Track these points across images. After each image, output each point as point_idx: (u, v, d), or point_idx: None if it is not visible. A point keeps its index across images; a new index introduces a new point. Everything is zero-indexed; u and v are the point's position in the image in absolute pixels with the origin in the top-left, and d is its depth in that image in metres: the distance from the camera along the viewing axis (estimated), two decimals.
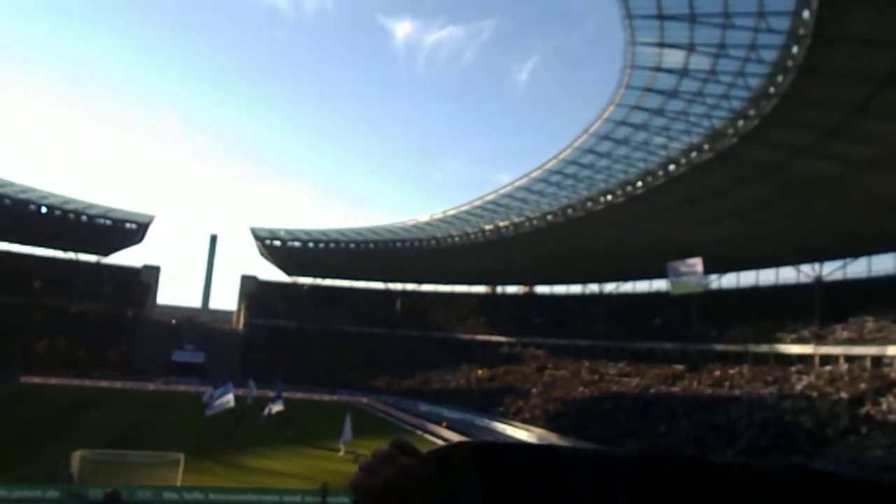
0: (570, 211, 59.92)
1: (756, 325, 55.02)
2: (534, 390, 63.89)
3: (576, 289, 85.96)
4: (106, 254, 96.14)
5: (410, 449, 0.78)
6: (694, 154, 44.10)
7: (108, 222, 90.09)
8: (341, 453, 39.68)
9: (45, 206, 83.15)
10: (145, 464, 30.59)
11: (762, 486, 0.67)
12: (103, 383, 69.77)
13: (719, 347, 57.22)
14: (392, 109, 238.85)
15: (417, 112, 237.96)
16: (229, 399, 46.95)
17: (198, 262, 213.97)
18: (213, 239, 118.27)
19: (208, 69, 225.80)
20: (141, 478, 29.58)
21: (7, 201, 79.07)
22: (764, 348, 53.59)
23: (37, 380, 66.67)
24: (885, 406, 38.75)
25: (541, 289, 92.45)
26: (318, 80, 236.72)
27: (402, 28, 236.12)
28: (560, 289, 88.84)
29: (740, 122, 39.10)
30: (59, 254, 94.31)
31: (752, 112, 37.59)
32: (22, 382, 64.64)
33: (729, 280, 65.73)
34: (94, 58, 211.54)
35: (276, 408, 46.84)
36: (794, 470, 0.67)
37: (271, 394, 50.91)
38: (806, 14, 28.66)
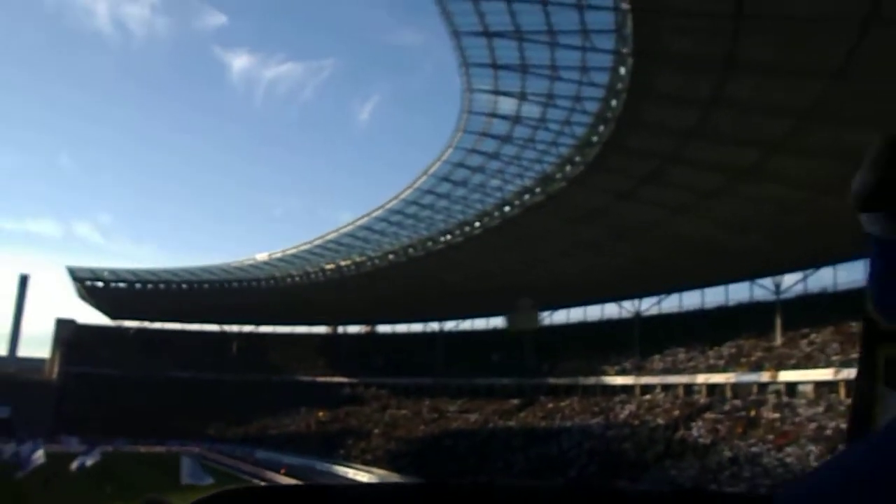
0: (411, 250, 60.83)
1: (584, 359, 58.42)
2: (375, 431, 63.51)
3: (417, 327, 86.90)
4: None
5: None
6: (527, 196, 46.52)
7: None
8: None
9: None
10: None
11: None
12: None
13: (552, 381, 60.05)
14: (229, 144, 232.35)
15: (256, 147, 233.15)
16: (41, 455, 42.87)
17: (3, 307, 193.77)
18: (23, 279, 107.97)
19: (20, 86, 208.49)
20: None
21: None
22: (591, 380, 56.92)
23: None
24: (694, 430, 42.32)
25: (382, 328, 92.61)
26: (147, 111, 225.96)
27: (240, 61, 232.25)
28: (401, 328, 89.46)
29: (568, 168, 41.87)
30: None
31: (578, 158, 40.40)
32: None
33: (560, 316, 69.56)
34: None
35: (91, 460, 43.02)
36: (557, 487, 0.64)
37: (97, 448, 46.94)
38: (622, 70, 31.49)
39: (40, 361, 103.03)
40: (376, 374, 78.97)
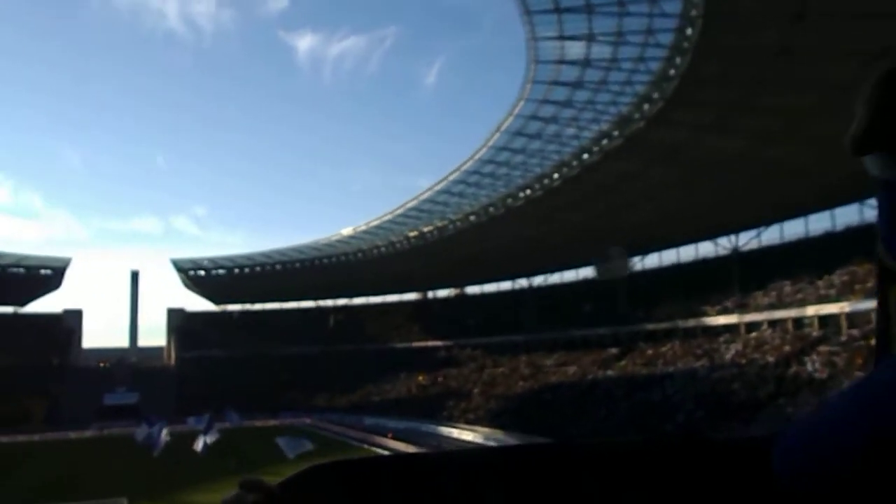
0: (491, 209, 60.39)
1: (681, 301, 56.68)
2: (475, 390, 64.11)
3: (506, 285, 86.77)
4: (22, 304, 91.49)
5: (256, 485, 0.78)
6: (605, 141, 45.07)
7: (22, 270, 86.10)
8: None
9: None
10: None
11: (621, 462, 0.65)
12: (33, 437, 65.59)
13: (649, 327, 58.67)
14: (303, 125, 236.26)
15: (328, 125, 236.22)
16: (166, 434, 45.78)
17: (121, 300, 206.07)
18: (135, 275, 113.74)
19: (109, 101, 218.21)
20: None
21: None
22: (691, 323, 55.23)
23: None
24: (808, 366, 40.44)
25: (471, 289, 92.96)
26: (224, 104, 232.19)
27: (304, 42, 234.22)
28: (490, 287, 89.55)
29: (645, 106, 40.20)
30: None
31: (655, 95, 38.69)
32: None
33: (651, 260, 67.72)
34: None
35: (211, 439, 45.20)
36: (652, 441, 0.66)
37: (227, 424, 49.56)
38: None
39: (159, 349, 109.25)
40: (470, 335, 79.44)
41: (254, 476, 0.67)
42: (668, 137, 40.97)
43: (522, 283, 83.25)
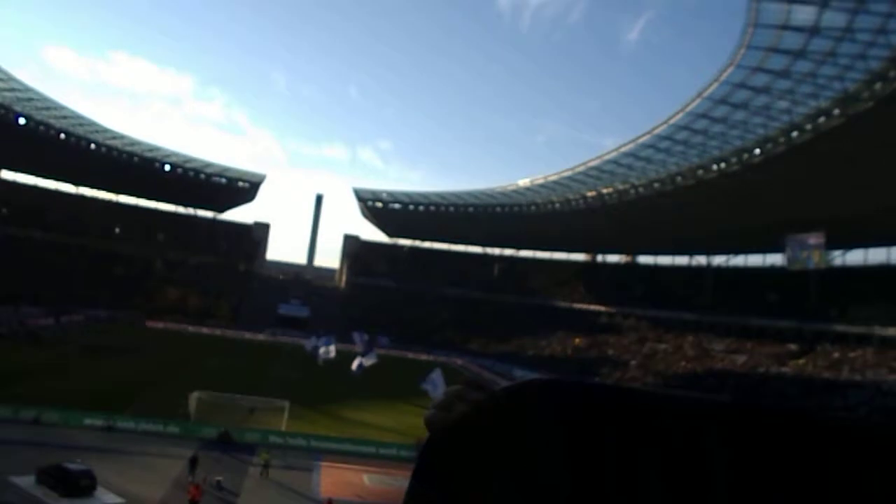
0: (678, 179, 57.57)
1: (884, 306, 51.02)
2: (633, 362, 62.52)
3: (681, 260, 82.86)
4: (221, 210, 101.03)
5: (483, 385, 0.77)
6: (822, 119, 41.13)
7: (224, 181, 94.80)
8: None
9: (169, 164, 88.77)
10: (254, 408, 32.42)
11: (878, 448, 0.61)
12: (216, 331, 73.27)
13: (839, 328, 53.57)
14: (495, 71, 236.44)
15: (521, 73, 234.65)
16: (332, 350, 49.05)
17: (304, 221, 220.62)
18: (319, 199, 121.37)
19: (313, 30, 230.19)
20: (249, 421, 31.25)
21: (136, 159, 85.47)
22: (892, 331, 49.73)
23: (160, 325, 71.25)
24: None
25: (644, 259, 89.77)
26: (420, 42, 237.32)
27: None
28: (664, 259, 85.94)
29: (878, 85, 36.07)
30: (180, 209, 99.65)
31: (893, 73, 34.53)
32: (147, 327, 69.38)
33: (855, 256, 61.32)
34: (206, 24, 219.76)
35: (368, 362, 47.67)
36: None
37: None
38: None
39: (331, 271, 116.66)
40: (635, 304, 77.08)
41: (477, 378, 0.70)
42: None
43: (700, 259, 79.18)
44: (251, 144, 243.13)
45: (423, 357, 72.24)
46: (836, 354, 50.76)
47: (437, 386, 37.56)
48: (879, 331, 50.16)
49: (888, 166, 41.17)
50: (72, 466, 20.80)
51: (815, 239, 52.82)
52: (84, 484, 20.30)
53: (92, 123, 79.49)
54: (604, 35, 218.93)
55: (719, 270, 75.77)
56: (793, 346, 54.78)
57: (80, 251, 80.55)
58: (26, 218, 78.83)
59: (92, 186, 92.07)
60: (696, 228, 64.85)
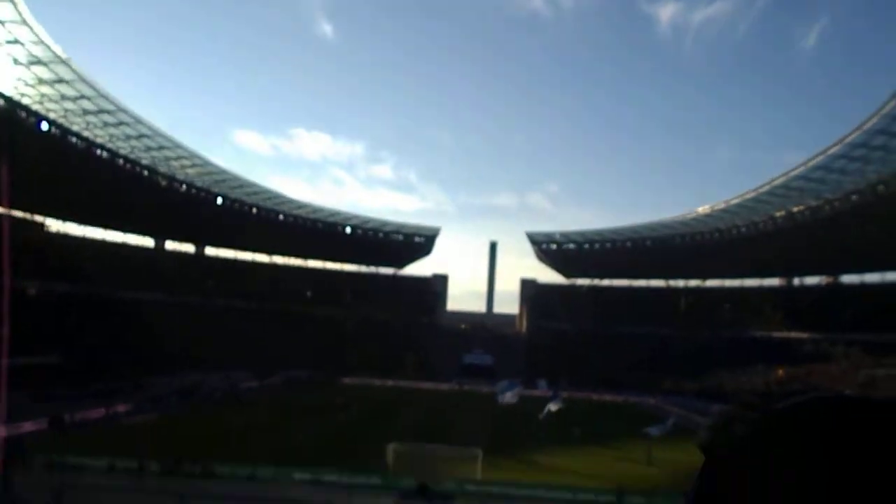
0: (881, 188, 52.53)
1: None
2: (847, 392, 56.73)
3: (893, 276, 74.83)
4: (400, 266, 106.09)
5: (759, 406, 0.74)
6: None
7: (401, 237, 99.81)
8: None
9: (350, 226, 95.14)
10: (448, 458, 32.93)
11: None
12: (405, 383, 75.93)
13: None
14: (659, 97, 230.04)
15: (686, 97, 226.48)
16: (516, 394, 49.39)
17: (480, 269, 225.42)
18: (493, 246, 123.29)
19: (472, 83, 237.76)
20: (444, 470, 31.90)
21: (320, 224, 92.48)
22: None
23: (353, 381, 74.89)
24: None
25: (848, 278, 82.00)
26: (582, 78, 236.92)
27: (666, 11, 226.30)
28: (873, 277, 77.98)
29: None
30: (363, 268, 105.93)
31: None
32: (342, 383, 73.28)
33: None
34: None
35: (555, 407, 47.28)
36: None
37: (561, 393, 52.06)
38: None
39: (511, 316, 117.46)
40: (843, 329, 70.30)
41: (749, 398, 0.68)
42: None
43: None
44: (421, 200, 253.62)
45: (611, 398, 70.16)
46: None
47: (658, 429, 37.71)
48: None
49: None
50: None
51: None
52: None
53: (278, 196, 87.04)
54: (774, 46, 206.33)
55: None
56: None
57: (277, 316, 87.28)
58: (229, 289, 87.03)
59: (283, 254, 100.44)
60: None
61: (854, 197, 55.62)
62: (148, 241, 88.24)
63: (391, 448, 32.68)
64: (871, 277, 77.96)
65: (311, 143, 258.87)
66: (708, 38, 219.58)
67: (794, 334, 76.25)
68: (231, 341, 73.82)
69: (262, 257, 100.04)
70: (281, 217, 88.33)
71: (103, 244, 79.89)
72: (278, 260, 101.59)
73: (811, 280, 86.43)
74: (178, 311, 74.21)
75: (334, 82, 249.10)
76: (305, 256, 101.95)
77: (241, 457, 32.06)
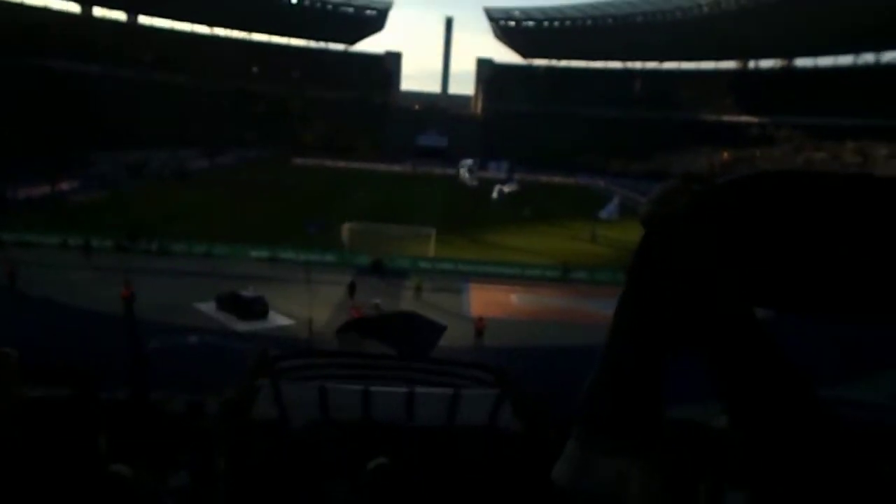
0: None
1: None
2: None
3: (845, 60, 74.66)
4: (351, 42, 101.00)
5: (704, 178, 0.75)
6: None
7: (351, 10, 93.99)
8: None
9: None
10: (402, 237, 33.80)
11: None
12: (358, 164, 75.59)
13: None
14: None
15: None
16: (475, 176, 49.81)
17: (435, 47, 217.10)
18: (449, 22, 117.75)
19: None
20: (399, 249, 32.84)
21: None
22: None
23: (304, 161, 73.57)
24: None
25: (802, 62, 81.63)
26: None
27: None
28: (825, 61, 77.73)
29: None
30: (311, 43, 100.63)
31: None
32: (294, 163, 72.08)
33: None
34: None
35: (508, 188, 48.20)
36: None
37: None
38: None
39: (466, 98, 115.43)
40: (791, 112, 71.26)
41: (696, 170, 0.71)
42: None
43: (867, 58, 71.00)
44: None
45: (564, 181, 71.65)
46: None
47: (614, 212, 38.56)
48: None
49: None
50: (245, 293, 23.14)
51: None
52: (258, 309, 22.65)
53: None
54: None
55: (890, 69, 67.83)
56: None
57: (221, 93, 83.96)
58: (167, 62, 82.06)
59: (225, 27, 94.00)
60: (860, 19, 57.36)
61: None
62: (73, 7, 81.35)
63: (346, 227, 33.27)
64: (824, 61, 77.77)
65: None
66: None
67: (743, 118, 77.29)
68: (174, 119, 71.36)
69: (202, 28, 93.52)
70: None
71: (20, 6, 72.80)
72: (220, 32, 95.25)
73: (766, 63, 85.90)
74: (115, 86, 70.46)
75: None
76: (249, 29, 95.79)
77: (196, 234, 32.28)
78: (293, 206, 44.06)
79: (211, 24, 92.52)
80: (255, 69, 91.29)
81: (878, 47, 68.02)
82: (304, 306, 21.65)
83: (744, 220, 0.69)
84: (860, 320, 0.68)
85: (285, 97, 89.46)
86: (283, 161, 71.53)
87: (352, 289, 24.89)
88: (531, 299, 27.85)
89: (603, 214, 38.58)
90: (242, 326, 21.64)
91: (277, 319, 22.89)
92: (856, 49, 70.99)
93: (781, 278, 0.68)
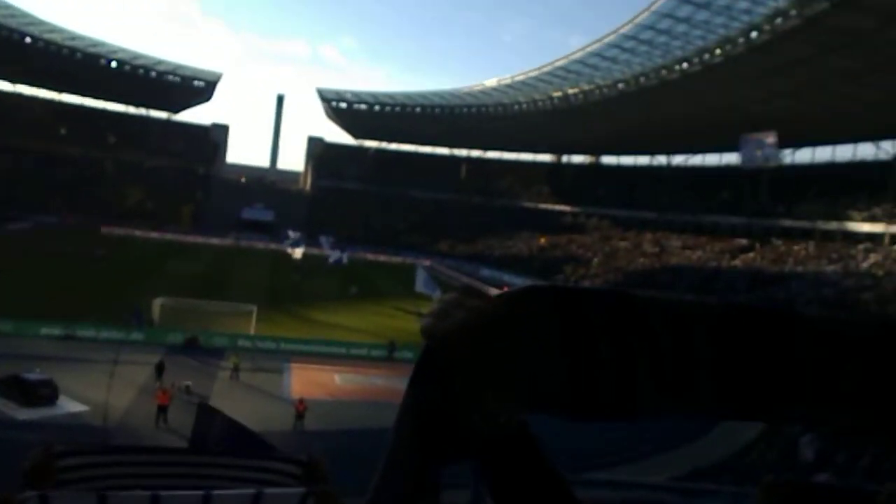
0: (642, 79, 57.65)
1: (826, 202, 53.31)
2: (595, 260, 64.41)
3: (643, 160, 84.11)
4: (176, 111, 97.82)
5: (479, 292, 0.78)
6: (779, 20, 41.28)
7: (178, 79, 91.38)
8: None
9: (116, 60, 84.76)
10: (220, 313, 32.37)
11: (850, 339, 0.64)
12: (177, 236, 71.64)
13: (786, 223, 55.88)
14: None
15: None
16: (300, 252, 49.70)
17: (265, 122, 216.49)
18: (280, 99, 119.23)
19: None
20: (216, 326, 31.49)
21: (78, 55, 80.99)
22: (833, 225, 52.16)
23: (117, 230, 68.39)
24: None
25: (608, 159, 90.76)
26: None
27: None
28: (627, 160, 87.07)
29: None
30: (131, 109, 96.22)
31: None
32: (103, 232, 66.12)
33: (803, 155, 62.78)
34: None
35: (345, 259, 48.80)
36: (889, 324, 0.64)
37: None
38: None
39: (296, 174, 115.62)
40: (599, 204, 78.63)
41: (472, 285, 0.82)
42: (854, 23, 36.99)
43: (661, 159, 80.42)
44: (203, 37, 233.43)
45: (391, 260, 73.26)
46: (782, 248, 53.19)
47: (432, 287, 37.94)
48: (821, 225, 52.74)
49: (838, 68, 41.94)
50: (30, 376, 20.76)
51: (768, 138, 53.93)
52: (44, 392, 20.22)
53: (26, 15, 74.31)
54: None
55: (678, 170, 77.29)
56: (743, 241, 57.07)
57: (24, 154, 77.35)
58: None
59: (31, 84, 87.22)
60: (657, 128, 65.47)
61: (620, 85, 60.55)
62: None
63: (157, 302, 31.61)
64: (626, 160, 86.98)
65: None
66: None
67: (558, 206, 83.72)
68: None
69: (3, 85, 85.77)
70: (28, 40, 75.13)
71: None
72: (24, 90, 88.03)
73: (577, 158, 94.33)
74: None
75: None
76: (59, 90, 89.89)
77: None
78: (97, 279, 40.75)
79: (13, 80, 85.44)
80: (63, 131, 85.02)
81: (670, 151, 77.16)
82: (103, 390, 19.95)
83: (513, 332, 0.72)
84: (619, 420, 0.71)
85: (97, 162, 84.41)
86: (90, 229, 64.91)
87: (160, 369, 23.49)
88: (356, 379, 27.94)
89: (419, 286, 38.54)
90: (25, 414, 19.41)
91: (68, 406, 20.66)
92: (650, 151, 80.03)
93: (548, 384, 0.72)
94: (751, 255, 54.78)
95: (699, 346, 0.67)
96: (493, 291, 0.80)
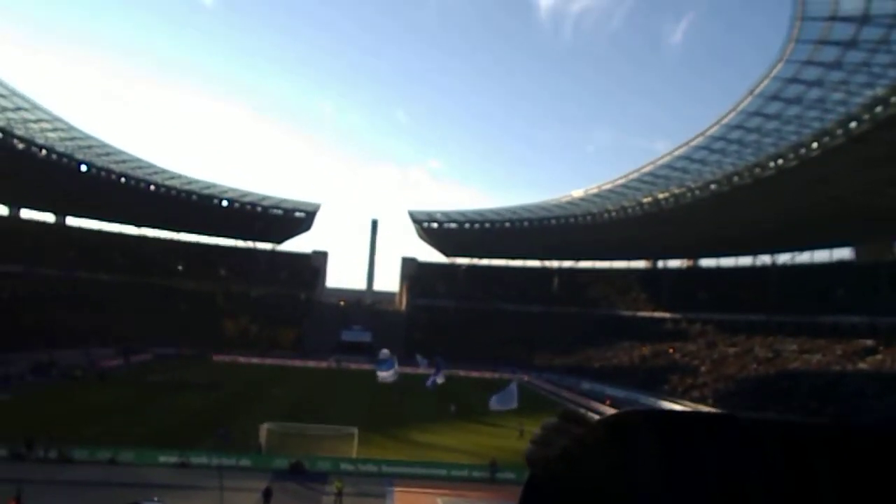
0: (735, 179, 56.40)
1: None
2: (702, 368, 61.17)
3: (745, 261, 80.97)
4: (279, 241, 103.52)
5: (581, 419, 0.78)
6: (879, 109, 39.91)
7: (280, 212, 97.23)
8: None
9: (226, 199, 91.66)
10: (323, 436, 32.71)
11: None
12: (280, 361, 74.51)
13: None
14: (540, 84, 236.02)
15: (566, 84, 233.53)
16: (392, 374, 49.39)
17: (361, 246, 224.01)
18: (374, 224, 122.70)
19: (356, 56, 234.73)
20: (319, 449, 31.72)
21: (194, 197, 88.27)
22: None
23: (225, 358, 72.64)
24: None
25: (706, 262, 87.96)
26: (463, 60, 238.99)
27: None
28: (727, 261, 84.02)
29: None
30: (239, 243, 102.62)
31: None
32: (214, 361, 70.73)
33: None
34: (249, 65, 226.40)
35: (441, 379, 48.18)
36: None
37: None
38: None
39: (391, 294, 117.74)
40: (701, 309, 75.60)
41: (576, 410, 0.70)
42: None
43: (765, 259, 77.24)
44: (305, 174, 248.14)
45: (489, 375, 72.02)
46: None
47: (511, 400, 36.71)
48: None
49: None
50: None
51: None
52: None
53: (150, 166, 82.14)
54: (647, 40, 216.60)
55: (785, 269, 73.78)
56: (868, 342, 52.90)
57: (145, 290, 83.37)
58: (92, 261, 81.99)
59: (153, 227, 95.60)
60: (757, 227, 63.35)
61: (713, 186, 59.43)
62: (1, 210, 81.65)
63: (264, 427, 32.12)
64: (726, 261, 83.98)
65: (193, 104, 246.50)
66: (586, 29, 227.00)
67: (657, 313, 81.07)
68: (94, 316, 69.86)
69: (130, 229, 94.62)
70: (152, 188, 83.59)
71: None
72: (148, 232, 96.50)
73: (673, 263, 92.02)
74: (37, 284, 69.31)
75: (220, 45, 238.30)
76: (178, 229, 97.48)
77: (102, 439, 30.41)
78: (209, 407, 42.50)
79: (139, 224, 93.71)
80: (180, 267, 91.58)
81: (773, 249, 74.17)
82: None
83: (614, 461, 0.71)
84: None
85: (209, 294, 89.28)
86: (203, 358, 69.84)
87: (267, 495, 23.54)
88: (457, 502, 26.93)
89: (494, 403, 37.10)
90: None
91: None
92: (752, 251, 77.19)
93: None
94: (878, 356, 50.56)
95: (822, 480, 0.63)
96: (593, 416, 0.80)
